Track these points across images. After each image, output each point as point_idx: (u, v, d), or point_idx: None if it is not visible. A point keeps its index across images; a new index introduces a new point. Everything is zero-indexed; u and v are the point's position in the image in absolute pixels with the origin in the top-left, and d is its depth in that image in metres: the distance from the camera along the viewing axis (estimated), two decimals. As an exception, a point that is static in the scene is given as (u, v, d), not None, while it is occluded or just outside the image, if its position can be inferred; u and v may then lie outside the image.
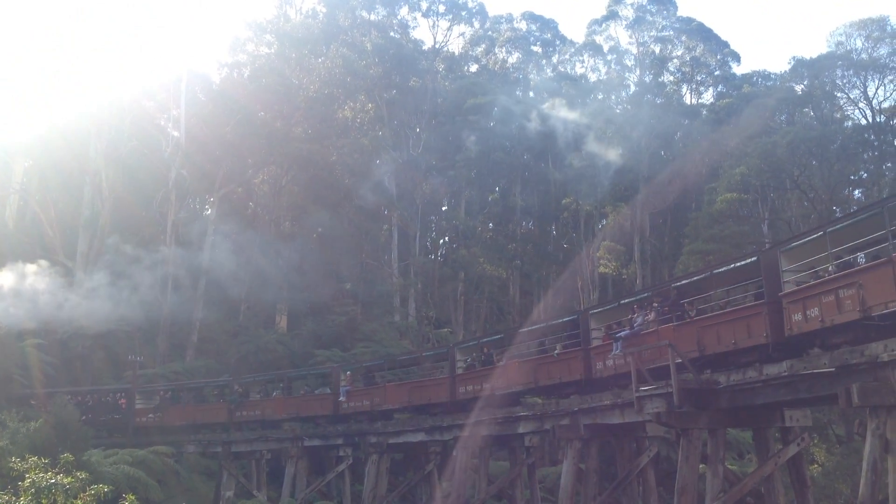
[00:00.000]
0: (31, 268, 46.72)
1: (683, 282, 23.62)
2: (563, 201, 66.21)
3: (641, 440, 27.09)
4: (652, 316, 23.27)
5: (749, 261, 20.88)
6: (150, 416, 41.35)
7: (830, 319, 17.31)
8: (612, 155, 66.60)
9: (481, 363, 30.95)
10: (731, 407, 20.96)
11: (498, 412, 29.31)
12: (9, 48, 55.13)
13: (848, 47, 61.76)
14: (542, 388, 27.77)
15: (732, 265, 21.84)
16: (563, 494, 26.18)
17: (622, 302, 25.99)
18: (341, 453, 37.06)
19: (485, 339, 32.76)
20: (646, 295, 24.85)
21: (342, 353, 51.33)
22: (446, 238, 76.56)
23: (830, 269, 17.96)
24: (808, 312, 17.87)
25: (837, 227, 18.31)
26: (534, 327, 29.87)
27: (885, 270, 15.99)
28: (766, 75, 75.14)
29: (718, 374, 20.54)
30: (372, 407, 35.33)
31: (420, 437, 33.67)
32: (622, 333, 23.97)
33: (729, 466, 26.69)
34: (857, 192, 64.84)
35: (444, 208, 76.52)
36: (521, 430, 28.85)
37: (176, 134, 54.36)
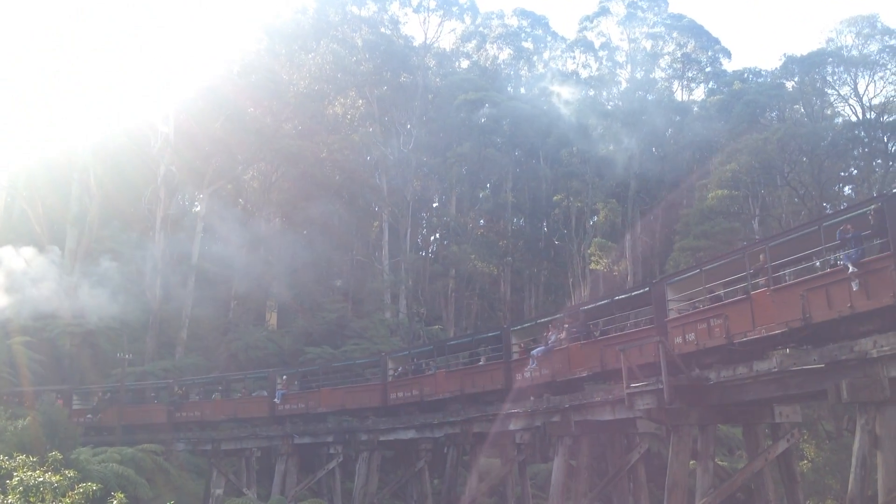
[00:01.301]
0: (20, 260, 46.54)
1: (590, 306, 26.95)
2: (555, 198, 66.18)
3: (632, 436, 27.11)
4: (564, 335, 26.10)
5: (642, 291, 24.49)
6: (88, 416, 41.35)
7: (703, 343, 20.53)
8: (604, 151, 66.62)
9: (412, 372, 33.46)
10: (721, 403, 20.99)
11: (487, 410, 29.38)
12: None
13: (839, 44, 61.97)
14: (467, 396, 30.50)
15: (629, 294, 25.71)
16: (553, 491, 26.16)
17: (539, 321, 29.33)
18: (332, 451, 37.00)
19: (416, 350, 35.80)
20: (559, 316, 27.81)
21: (332, 351, 51.24)
22: (437, 235, 76.47)
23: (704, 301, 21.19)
24: (686, 336, 21.16)
25: (711, 265, 21.82)
26: (461, 340, 33.57)
27: (745, 305, 19.39)
28: (757, 72, 75.25)
29: (709, 370, 20.58)
30: (307, 410, 37.10)
31: (411, 434, 33.61)
32: (537, 350, 26.68)
33: (719, 462, 26.74)
34: (847, 188, 65.13)
35: (435, 205, 76.42)
36: (512, 426, 28.84)
37: (165, 130, 54.01)
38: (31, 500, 16.66)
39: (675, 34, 78.17)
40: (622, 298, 25.46)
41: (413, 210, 67.02)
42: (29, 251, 48.82)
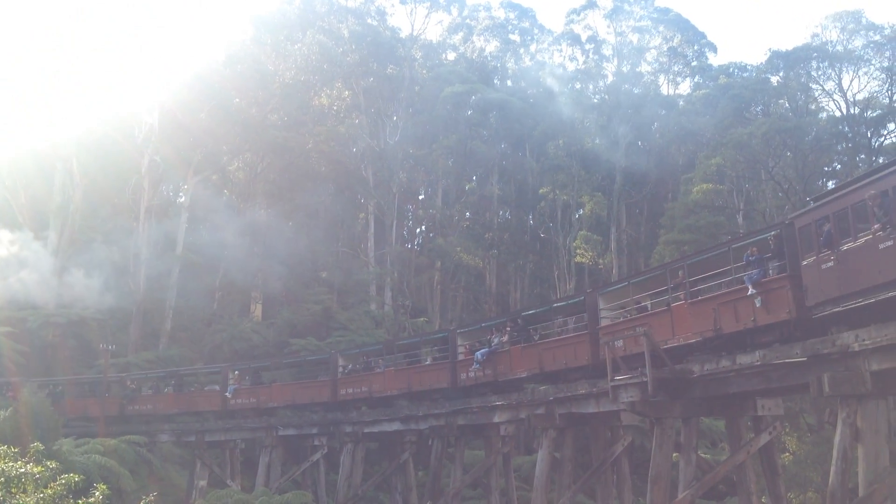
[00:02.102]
0: (1, 249, 46.20)
1: (531, 311, 29.72)
2: (540, 191, 66.21)
3: (616, 429, 27.21)
4: (506, 338, 28.22)
5: (578, 299, 27.11)
6: None
7: (630, 350, 22.36)
8: (590, 145, 66.69)
9: (363, 369, 35.08)
10: (704, 396, 21.15)
11: (473, 402, 29.49)
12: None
13: (823, 39, 62.16)
14: (414, 393, 32.23)
15: (566, 301, 28.40)
16: (538, 483, 26.27)
17: (483, 324, 32.02)
18: (316, 442, 36.99)
19: (366, 348, 37.30)
20: (502, 320, 30.18)
21: (318, 342, 51.13)
22: (423, 227, 76.39)
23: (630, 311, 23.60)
24: (616, 343, 22.87)
25: (638, 279, 24.80)
26: (410, 340, 36.09)
27: (666, 316, 21.71)
28: (742, 67, 75.43)
29: (692, 363, 20.70)
30: (258, 404, 38.11)
31: (396, 426, 33.63)
32: (481, 351, 28.81)
33: (702, 455, 26.91)
34: (830, 183, 65.39)
35: (421, 197, 76.31)
36: (496, 419, 28.91)
37: (150, 120, 53.57)
38: (13, 490, 16.52)
39: (661, 28, 78.30)
40: (560, 305, 28.00)
41: (399, 202, 66.89)
42: (11, 240, 48.44)
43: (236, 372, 40.01)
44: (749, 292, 19.04)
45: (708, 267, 21.30)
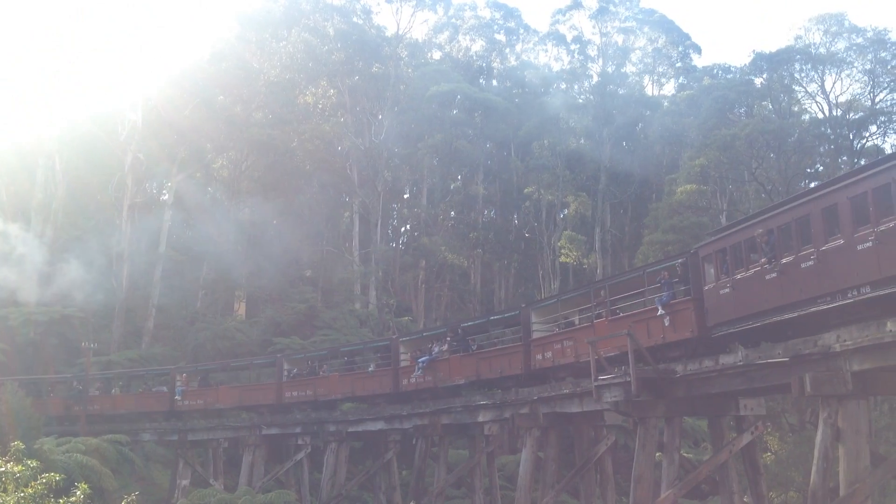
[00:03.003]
0: None
1: (469, 323, 32.56)
2: (525, 190, 66.33)
3: (599, 429, 27.30)
4: (446, 347, 30.12)
5: (513, 313, 29.44)
6: None
7: (557, 361, 25.01)
8: (574, 145, 66.83)
9: (308, 373, 36.46)
10: (687, 396, 21.22)
11: (454, 401, 29.53)
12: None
13: (807, 42, 62.58)
14: (357, 397, 34.63)
15: (502, 315, 31.30)
16: (521, 482, 26.31)
17: (425, 334, 34.27)
18: (300, 441, 36.89)
19: (311, 354, 38.70)
20: (443, 330, 32.24)
21: (301, 341, 50.95)
22: (408, 226, 76.34)
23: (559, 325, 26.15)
24: (545, 354, 25.62)
25: (566, 297, 27.77)
26: (354, 347, 37.71)
27: (589, 331, 23.71)
28: (726, 68, 75.87)
29: (675, 363, 20.79)
30: (205, 406, 39.26)
31: (380, 425, 33.60)
32: (422, 359, 30.72)
33: (685, 454, 27.03)
34: (812, 184, 65.84)
35: (406, 196, 76.19)
36: (480, 418, 28.93)
37: (133, 117, 53.21)
38: (-6, 490, 16.39)
39: (646, 29, 78.62)
40: (496, 318, 30.96)
41: (384, 201, 66.75)
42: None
43: (184, 374, 40.91)
44: (659, 312, 21.44)
45: (626, 288, 23.62)
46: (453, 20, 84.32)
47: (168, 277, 54.01)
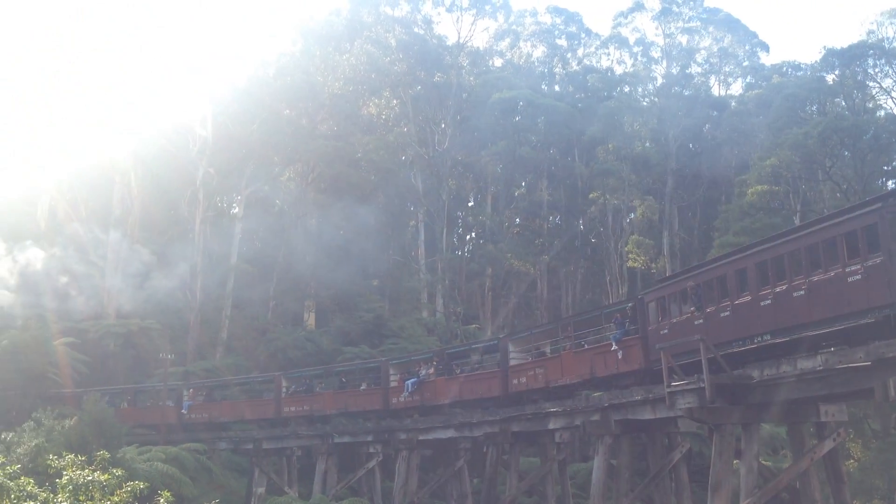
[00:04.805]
0: (65, 263, 47.41)
1: (453, 350, 36.90)
2: (591, 195, 65.79)
3: (673, 436, 26.90)
4: (433, 370, 34.16)
5: (493, 342, 33.74)
6: None
7: (531, 385, 29.30)
8: (640, 148, 66.06)
9: (304, 390, 39.82)
10: (764, 402, 20.73)
11: (527, 409, 29.46)
12: (39, 50, 55.79)
13: (879, 36, 60.73)
14: (350, 413, 37.88)
15: (484, 343, 35.95)
16: (594, 491, 26.06)
17: (413, 358, 37.85)
18: (371, 450, 37.25)
19: (308, 372, 41.86)
20: (429, 355, 36.08)
21: (370, 350, 51.43)
22: (473, 234, 76.43)
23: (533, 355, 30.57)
24: (521, 379, 29.92)
25: (538, 330, 32.02)
26: (347, 367, 40.99)
27: (557, 361, 28.41)
28: (796, 66, 74.08)
29: (751, 368, 20.36)
30: (210, 419, 41.79)
31: (450, 433, 33.70)
32: (411, 381, 34.27)
33: (763, 462, 26.42)
34: (890, 182, 63.81)
35: (470, 204, 76.36)
36: (551, 426, 28.77)
37: (203, 133, 54.66)
38: (81, 498, 16.90)
39: (711, 29, 77.32)
40: (478, 346, 35.12)
41: (449, 209, 67.00)
42: (73, 254, 49.75)
43: (191, 389, 43.30)
44: (613, 347, 25.50)
45: (588, 325, 28.38)
46: (514, 27, 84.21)
47: (239, 289, 55.17)
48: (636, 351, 24.65)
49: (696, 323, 22.01)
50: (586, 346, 27.41)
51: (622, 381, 25.40)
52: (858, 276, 17.60)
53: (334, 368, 40.91)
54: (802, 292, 18.92)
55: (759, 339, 19.98)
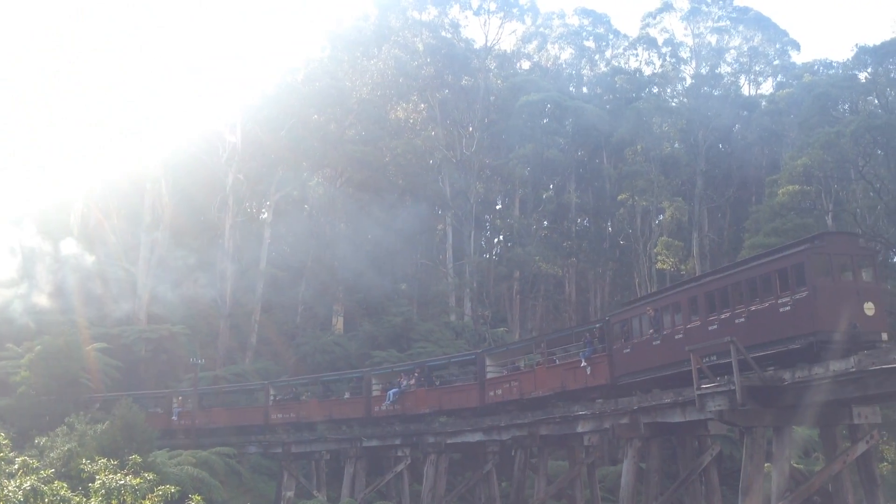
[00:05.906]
0: (97, 269, 48.04)
1: (433, 362, 38.78)
2: (619, 197, 65.38)
3: (703, 438, 26.63)
4: (413, 381, 36.05)
5: (471, 357, 36.14)
6: None
7: (506, 396, 31.65)
8: (668, 149, 65.54)
9: (291, 398, 41.44)
10: (796, 404, 20.45)
11: (555, 412, 29.35)
12: (71, 60, 56.66)
13: (913, 32, 59.72)
14: (333, 420, 39.33)
15: (462, 357, 38.26)
16: (623, 494, 25.84)
17: (394, 369, 39.72)
18: (399, 453, 37.27)
19: (295, 381, 43.73)
20: (412, 367, 37.88)
21: (399, 354, 51.50)
22: (501, 237, 76.26)
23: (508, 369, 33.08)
24: (497, 391, 32.19)
25: (515, 346, 36.03)
26: (331, 377, 42.59)
27: (531, 375, 30.87)
28: (827, 64, 73.15)
29: (783, 370, 20.10)
30: (200, 426, 42.13)
31: (478, 437, 33.63)
32: (393, 391, 36.31)
33: (795, 465, 26.05)
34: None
35: (498, 207, 76.23)
36: (579, 429, 28.62)
37: (232, 139, 55.19)
38: (113, 502, 17.12)
39: (740, 28, 76.60)
40: (457, 360, 37.51)
41: (476, 212, 66.98)
42: (105, 261, 50.41)
43: (181, 397, 44.05)
44: (582, 364, 28.02)
45: (560, 343, 31.13)
46: (541, 29, 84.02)
47: (269, 294, 55.57)
48: (603, 367, 27.19)
49: (654, 343, 24.76)
50: (558, 362, 29.74)
51: (590, 394, 28.09)
52: (788, 307, 20.44)
53: (319, 378, 42.34)
54: (743, 319, 21.70)
55: (708, 359, 22.12)
